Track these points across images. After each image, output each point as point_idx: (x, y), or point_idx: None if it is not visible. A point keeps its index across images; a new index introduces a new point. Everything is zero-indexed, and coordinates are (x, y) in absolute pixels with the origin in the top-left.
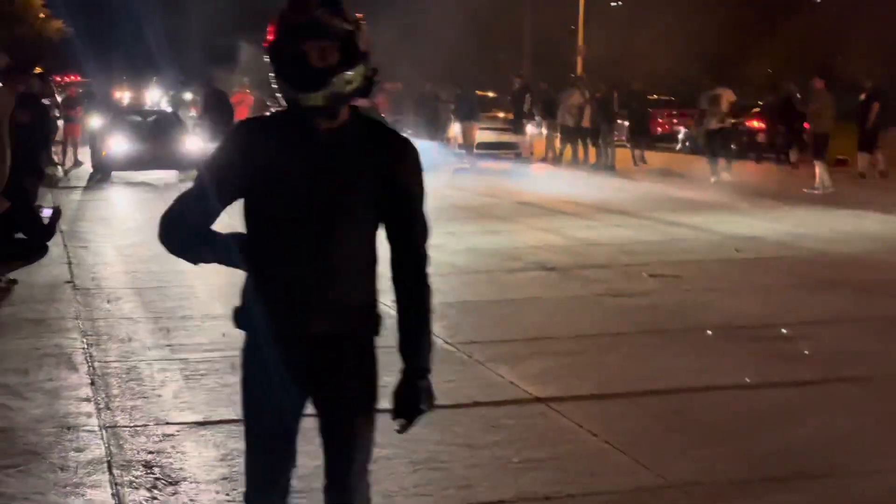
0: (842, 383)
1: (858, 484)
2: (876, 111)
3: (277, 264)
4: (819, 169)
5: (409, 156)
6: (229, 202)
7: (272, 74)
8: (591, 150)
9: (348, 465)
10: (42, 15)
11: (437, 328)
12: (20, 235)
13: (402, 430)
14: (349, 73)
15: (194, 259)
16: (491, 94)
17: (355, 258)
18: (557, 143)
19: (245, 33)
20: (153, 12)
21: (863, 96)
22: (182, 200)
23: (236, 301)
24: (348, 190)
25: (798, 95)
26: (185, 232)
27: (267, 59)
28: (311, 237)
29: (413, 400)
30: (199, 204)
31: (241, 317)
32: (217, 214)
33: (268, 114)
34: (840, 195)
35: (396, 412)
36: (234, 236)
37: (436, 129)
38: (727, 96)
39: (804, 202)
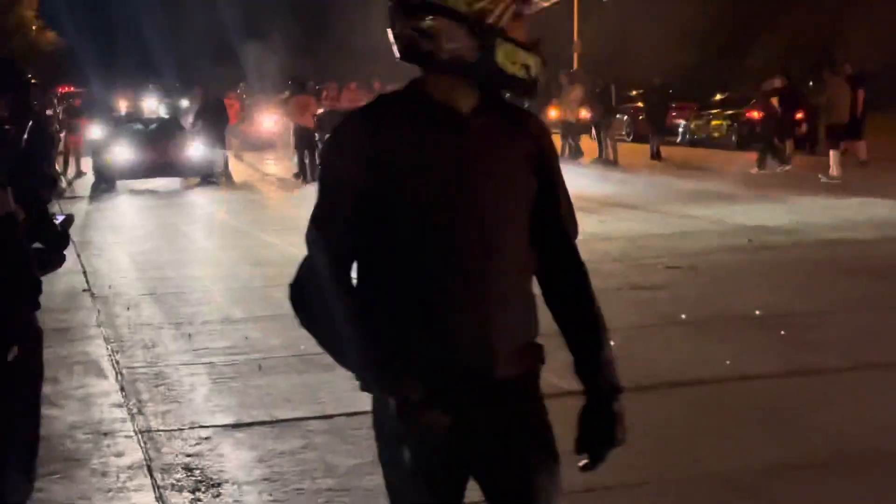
0: (872, 370)
1: None
2: (862, 99)
3: (435, 294)
4: (832, 159)
5: (551, 138)
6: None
7: (458, 45)
8: (593, 145)
9: None
10: (35, 27)
11: None
12: (37, 245)
13: (589, 467)
14: None
15: (339, 331)
16: None
17: (523, 273)
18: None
19: (244, 37)
20: (147, 20)
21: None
22: (313, 246)
23: (254, 305)
24: (507, 186)
25: (810, 84)
26: (323, 288)
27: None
28: (476, 252)
29: (608, 428)
30: (330, 240)
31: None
32: (352, 248)
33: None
34: (845, 183)
35: (583, 445)
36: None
37: None
38: (774, 83)
39: (809, 191)
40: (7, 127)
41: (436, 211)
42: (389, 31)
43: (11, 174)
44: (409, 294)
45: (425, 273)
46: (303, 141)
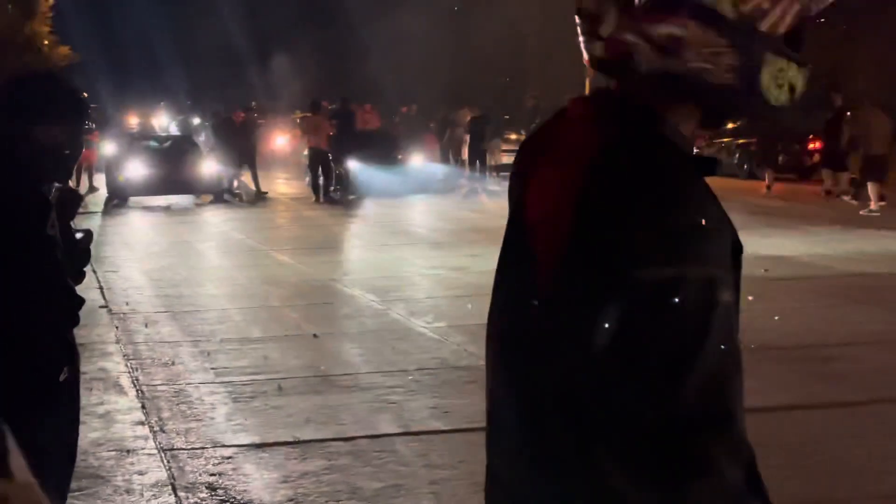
0: (888, 404)
1: None
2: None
3: None
4: (871, 190)
5: None
6: None
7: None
8: None
9: None
10: (47, 42)
11: (478, 349)
12: None
13: None
14: None
15: None
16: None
17: None
18: None
19: (258, 56)
20: (159, 38)
21: (829, 114)
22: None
23: (271, 325)
24: None
25: (847, 114)
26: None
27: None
28: None
29: None
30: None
31: None
32: None
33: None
34: (857, 215)
35: None
36: None
37: (449, 153)
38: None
39: (824, 223)
40: (67, 152)
41: None
42: (587, 33)
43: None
44: None
45: None
46: (316, 161)
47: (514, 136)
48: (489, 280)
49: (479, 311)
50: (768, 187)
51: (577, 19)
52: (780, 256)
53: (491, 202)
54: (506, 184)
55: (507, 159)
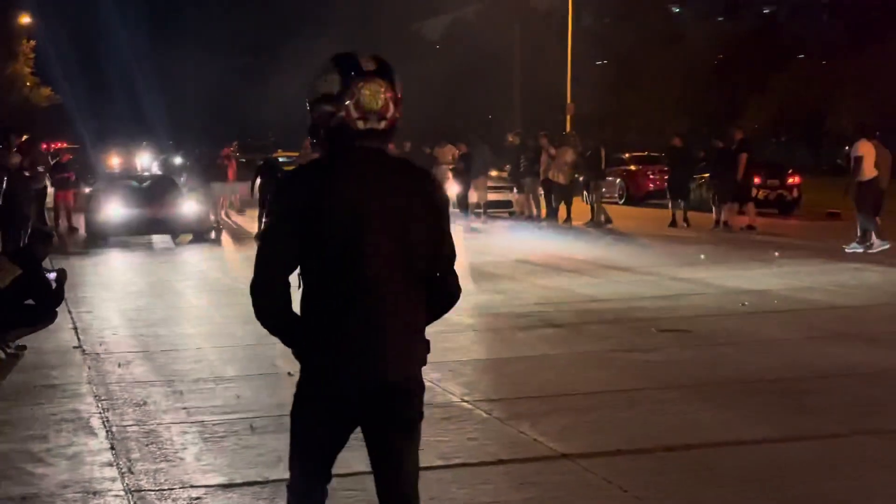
0: (868, 436)
1: None
2: (744, 163)
3: None
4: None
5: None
6: None
7: None
8: (585, 208)
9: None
10: (30, 83)
11: (453, 386)
12: (29, 301)
13: None
14: None
15: None
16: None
17: None
18: (542, 200)
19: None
20: (142, 78)
21: (720, 145)
22: None
23: (246, 364)
24: None
25: (847, 148)
26: None
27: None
28: None
29: None
30: None
31: None
32: None
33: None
34: (836, 248)
35: None
36: None
37: None
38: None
39: (801, 256)
40: None
41: None
42: (379, 119)
43: None
44: None
45: None
46: None
47: (494, 173)
48: (467, 319)
49: (457, 347)
50: (717, 222)
51: (368, 115)
52: (758, 290)
53: (471, 239)
54: (492, 221)
55: (494, 196)
